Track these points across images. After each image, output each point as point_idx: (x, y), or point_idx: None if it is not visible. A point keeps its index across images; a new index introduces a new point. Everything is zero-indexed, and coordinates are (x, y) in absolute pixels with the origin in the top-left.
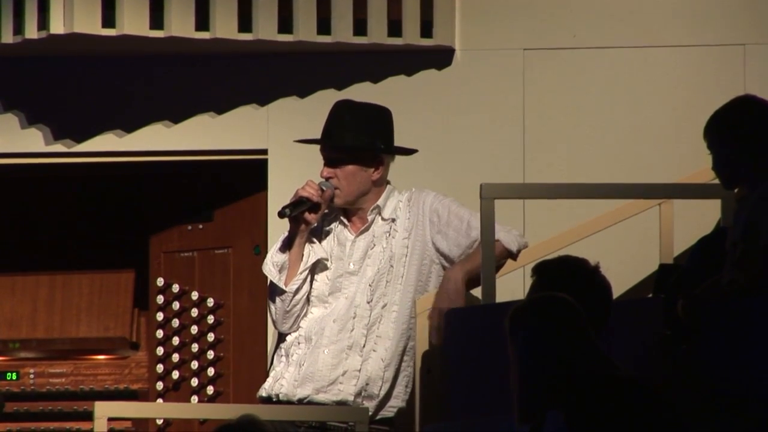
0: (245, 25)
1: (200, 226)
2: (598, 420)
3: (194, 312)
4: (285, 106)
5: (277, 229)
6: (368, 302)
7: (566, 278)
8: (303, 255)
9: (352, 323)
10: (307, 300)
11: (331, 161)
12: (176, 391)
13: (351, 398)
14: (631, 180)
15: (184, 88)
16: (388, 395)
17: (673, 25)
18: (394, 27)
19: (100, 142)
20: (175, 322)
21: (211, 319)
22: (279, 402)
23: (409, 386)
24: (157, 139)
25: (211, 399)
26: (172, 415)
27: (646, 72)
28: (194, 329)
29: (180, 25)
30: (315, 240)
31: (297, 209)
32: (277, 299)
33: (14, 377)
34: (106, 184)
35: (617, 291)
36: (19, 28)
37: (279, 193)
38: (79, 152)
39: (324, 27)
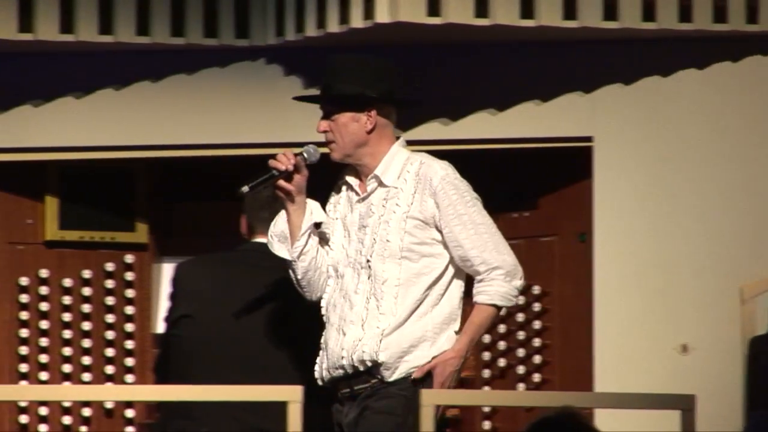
0: (570, 12)
1: (526, 214)
2: None
3: (520, 299)
4: (610, 93)
5: (603, 216)
6: (369, 277)
7: None
8: (303, 222)
9: (356, 298)
10: (321, 266)
11: (325, 114)
12: (502, 379)
13: (360, 367)
14: None
15: (509, 75)
16: (399, 359)
17: None
18: (719, 13)
19: (425, 130)
20: (503, 310)
21: (536, 306)
22: (325, 387)
23: (439, 346)
24: (482, 126)
25: (537, 387)
26: (499, 403)
27: None
28: (520, 317)
29: (505, 12)
30: (316, 204)
31: (259, 184)
32: (290, 272)
33: None
34: None
35: None
36: (345, 18)
37: (604, 181)
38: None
39: (649, 14)
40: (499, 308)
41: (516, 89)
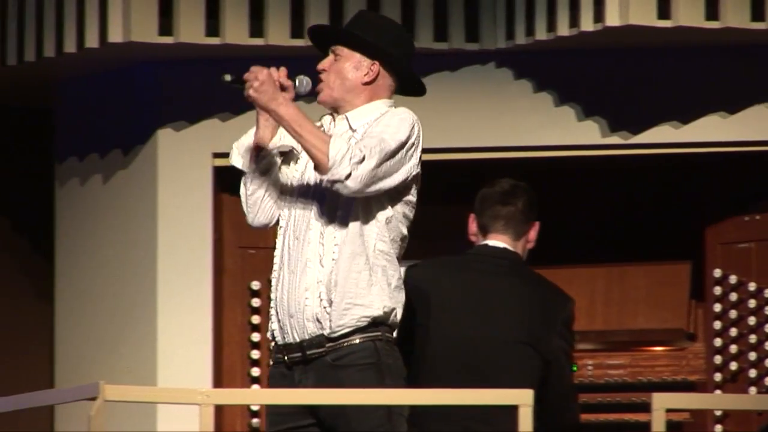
0: None
1: (757, 217)
2: None
3: (751, 303)
4: None
5: None
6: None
7: None
8: (271, 141)
9: (311, 235)
10: (273, 194)
11: (332, 53)
12: (734, 383)
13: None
14: None
15: (739, 78)
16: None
17: None
18: None
19: (655, 133)
20: (733, 313)
21: None
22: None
23: (392, 294)
24: (711, 129)
25: None
26: (730, 407)
27: None
28: (752, 320)
29: (735, 15)
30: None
31: (244, 80)
32: (241, 185)
33: (573, 369)
34: (662, 176)
35: None
36: (574, 21)
37: None
38: (635, 144)
39: None
40: (325, 149)
41: (746, 92)
